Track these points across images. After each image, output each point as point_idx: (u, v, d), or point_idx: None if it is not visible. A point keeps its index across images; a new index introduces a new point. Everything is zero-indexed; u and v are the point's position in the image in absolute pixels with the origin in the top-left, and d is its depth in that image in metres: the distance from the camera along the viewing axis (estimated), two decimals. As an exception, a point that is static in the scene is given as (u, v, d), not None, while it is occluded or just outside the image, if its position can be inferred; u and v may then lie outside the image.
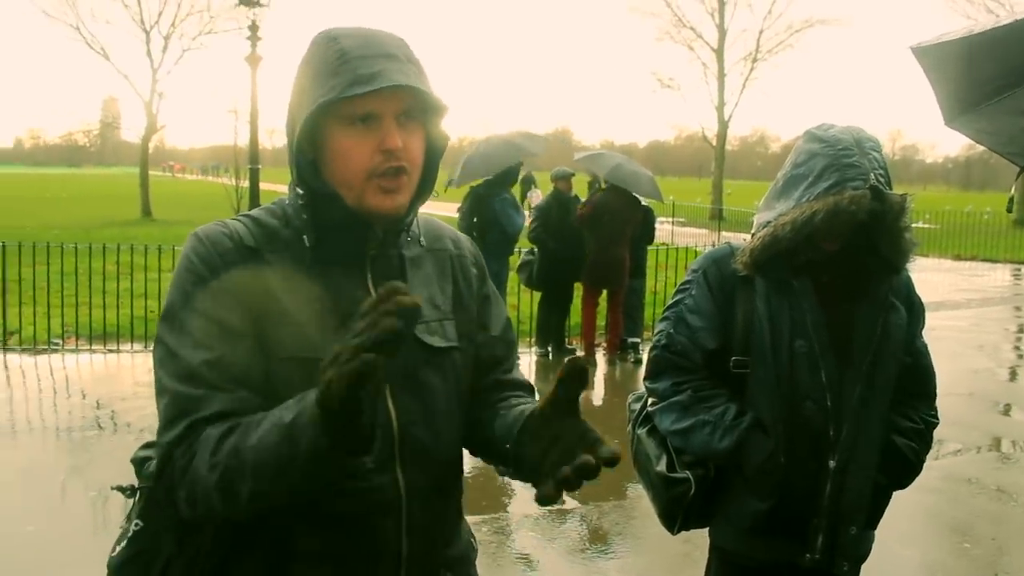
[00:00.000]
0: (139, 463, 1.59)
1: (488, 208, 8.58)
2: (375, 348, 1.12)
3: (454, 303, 1.61)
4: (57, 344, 9.13)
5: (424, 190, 1.52)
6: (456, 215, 9.11)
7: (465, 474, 1.67)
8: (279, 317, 1.41)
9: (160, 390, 1.40)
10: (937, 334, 11.14)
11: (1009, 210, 2.46)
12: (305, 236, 1.46)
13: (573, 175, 9.74)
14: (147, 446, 1.61)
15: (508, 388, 1.67)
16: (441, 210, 12.14)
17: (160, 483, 1.43)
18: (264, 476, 1.28)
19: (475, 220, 8.69)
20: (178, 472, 1.35)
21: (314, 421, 1.20)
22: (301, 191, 1.46)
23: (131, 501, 1.58)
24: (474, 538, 1.73)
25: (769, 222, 2.13)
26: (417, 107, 1.45)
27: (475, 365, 1.63)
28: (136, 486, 1.57)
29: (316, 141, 1.44)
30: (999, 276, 18.91)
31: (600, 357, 9.32)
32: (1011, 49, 1.85)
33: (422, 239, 1.60)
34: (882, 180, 2.04)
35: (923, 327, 2.35)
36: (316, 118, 1.40)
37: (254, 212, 1.54)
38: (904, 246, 2.12)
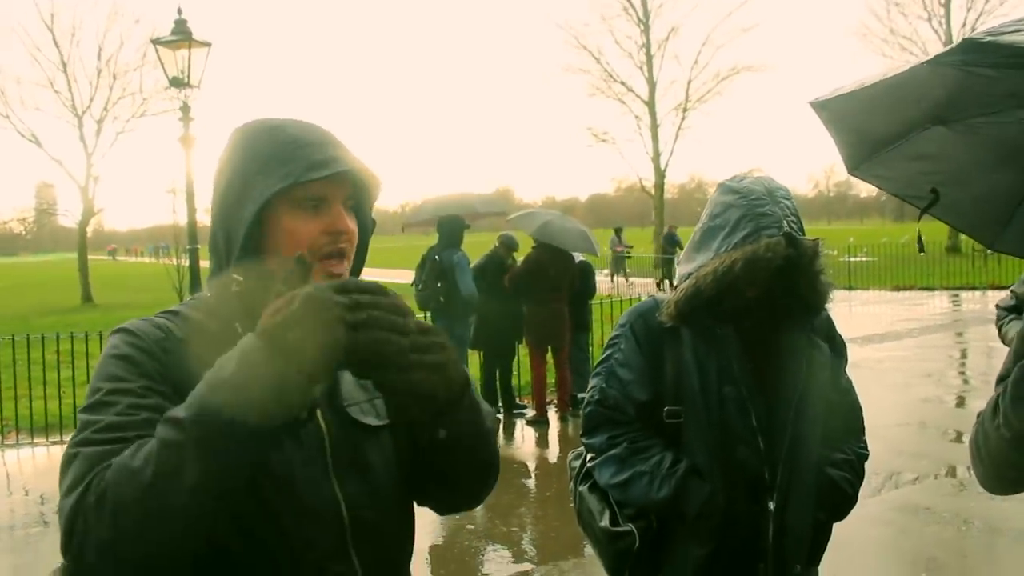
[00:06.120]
0: None
1: (449, 270, 8.48)
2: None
3: None
4: (-3, 440, 8.86)
5: (354, 273, 1.53)
6: (408, 282, 8.97)
7: (424, 544, 1.66)
8: None
9: (69, 458, 1.28)
10: (884, 365, 11.36)
11: (921, 250, 2.55)
12: (238, 324, 1.42)
13: (516, 248, 9.67)
14: None
15: None
16: (397, 277, 12.10)
17: (69, 553, 1.22)
18: (213, 424, 1.15)
19: (439, 285, 8.56)
20: (91, 509, 1.18)
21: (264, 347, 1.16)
22: (240, 278, 1.43)
23: None
24: None
25: (690, 274, 2.19)
26: (356, 193, 1.49)
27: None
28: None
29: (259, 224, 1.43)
30: (938, 303, 19.39)
31: (552, 415, 9.31)
32: (900, 99, 1.94)
33: None
34: (795, 227, 2.11)
35: (847, 363, 2.41)
36: (266, 202, 1.39)
37: (176, 308, 1.51)
38: (821, 288, 2.19)
